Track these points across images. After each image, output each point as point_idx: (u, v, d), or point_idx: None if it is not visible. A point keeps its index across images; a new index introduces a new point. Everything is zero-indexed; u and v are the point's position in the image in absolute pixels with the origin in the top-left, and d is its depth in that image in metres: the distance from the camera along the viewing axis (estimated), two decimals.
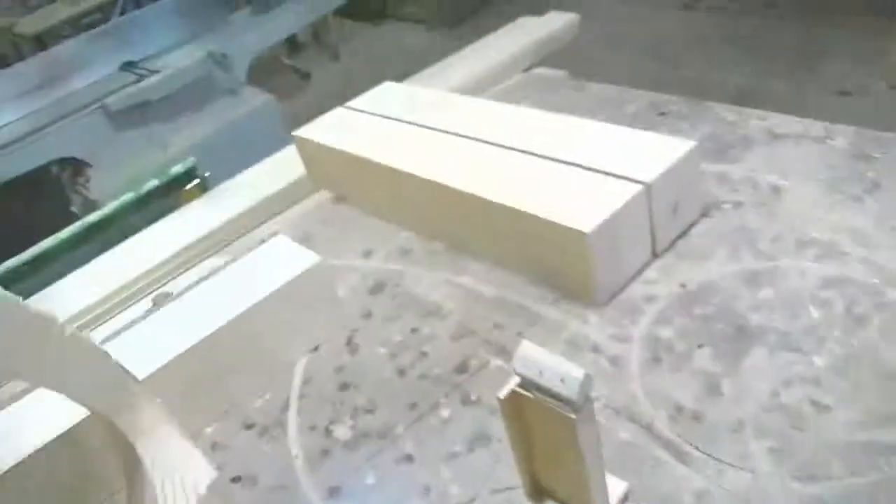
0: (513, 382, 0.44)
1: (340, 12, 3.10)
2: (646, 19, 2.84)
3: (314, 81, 3.12)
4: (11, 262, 1.07)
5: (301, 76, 3.06)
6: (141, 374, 0.60)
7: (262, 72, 2.33)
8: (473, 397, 0.60)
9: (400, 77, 1.13)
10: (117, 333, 0.71)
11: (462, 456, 0.55)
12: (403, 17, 3.79)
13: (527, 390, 0.43)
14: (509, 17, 1.29)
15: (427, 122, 0.84)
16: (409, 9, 3.74)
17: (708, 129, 0.85)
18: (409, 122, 0.86)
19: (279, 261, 0.68)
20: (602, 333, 0.62)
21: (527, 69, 1.18)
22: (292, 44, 3.29)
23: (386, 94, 0.96)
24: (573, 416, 0.41)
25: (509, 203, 0.67)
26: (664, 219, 0.67)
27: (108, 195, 1.81)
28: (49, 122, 1.83)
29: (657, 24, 2.79)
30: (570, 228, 0.61)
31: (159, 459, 0.52)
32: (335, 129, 0.90)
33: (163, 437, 0.53)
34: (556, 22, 1.24)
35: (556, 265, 0.66)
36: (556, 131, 0.76)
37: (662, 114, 0.91)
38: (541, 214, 0.64)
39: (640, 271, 0.67)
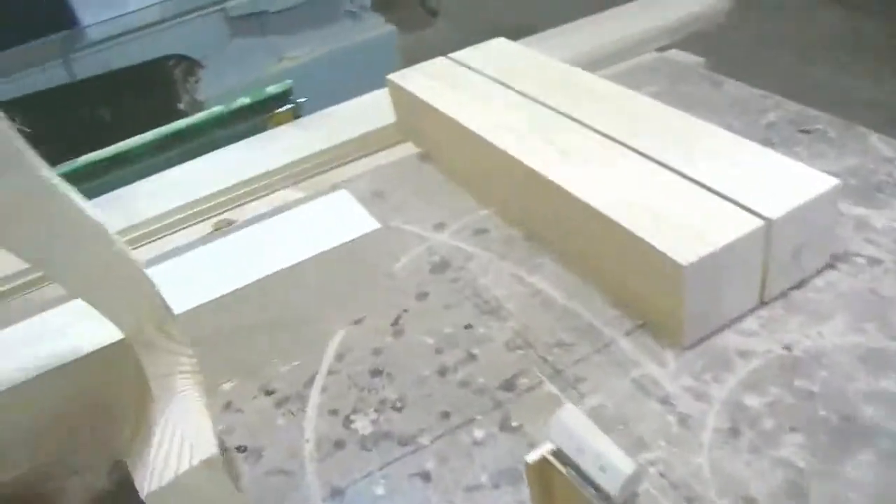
0: (545, 448, 0.36)
1: None
2: (810, 16, 2.60)
3: (436, 24, 3.03)
4: (93, 156, 1.05)
5: (429, 12, 2.96)
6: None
7: (390, 0, 2.25)
8: (514, 423, 0.52)
9: (523, 32, 1.04)
10: (167, 256, 0.67)
11: (484, 490, 0.48)
12: None
13: (560, 462, 0.35)
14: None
15: (535, 95, 0.75)
16: None
17: (855, 161, 0.72)
18: (515, 90, 0.77)
19: (336, 219, 0.62)
20: (677, 383, 0.53)
21: (661, 49, 1.06)
22: None
23: (496, 52, 0.87)
24: None
25: (604, 209, 0.57)
26: (781, 263, 0.57)
27: (215, 98, 1.80)
28: (170, 17, 1.82)
29: (822, 22, 2.54)
30: (666, 256, 0.52)
31: (170, 412, 0.47)
32: (433, 80, 0.82)
33: (181, 388, 0.48)
34: (703, 2, 1.11)
35: (643, 291, 0.57)
36: (679, 134, 0.65)
37: (805, 131, 0.79)
38: (637, 232, 0.55)
39: (739, 318, 0.57)
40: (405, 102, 0.84)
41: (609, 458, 0.32)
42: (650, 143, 0.64)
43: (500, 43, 0.89)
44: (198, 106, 1.86)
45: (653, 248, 0.53)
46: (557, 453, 0.35)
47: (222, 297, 0.57)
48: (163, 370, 0.47)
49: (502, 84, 0.79)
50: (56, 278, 0.45)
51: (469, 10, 3.18)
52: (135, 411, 0.51)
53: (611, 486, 0.32)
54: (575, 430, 0.34)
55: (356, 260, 0.60)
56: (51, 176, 0.40)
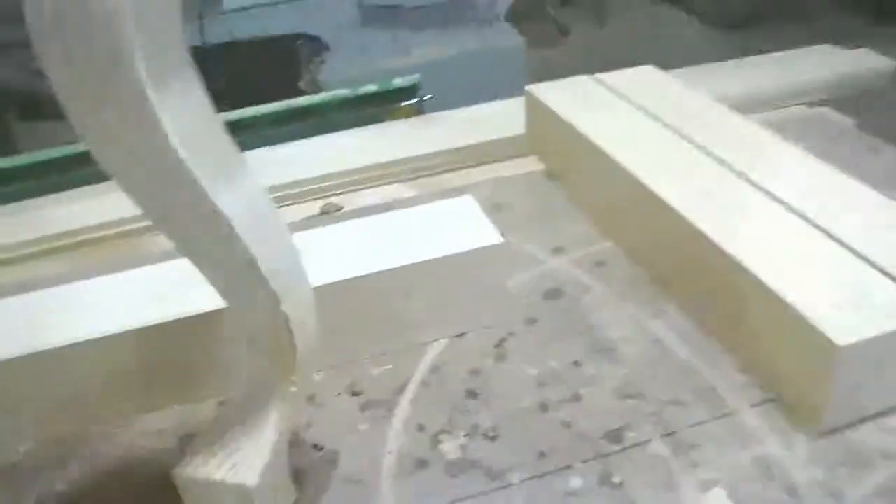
0: None
1: None
2: None
3: (569, 41, 2.98)
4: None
5: (560, 30, 2.92)
6: None
7: (522, 13, 2.22)
8: (616, 479, 0.47)
9: (658, 65, 0.99)
10: None
11: None
12: (683, 3, 3.54)
13: None
14: (796, 41, 1.10)
15: (682, 130, 0.70)
16: None
17: None
18: (662, 123, 0.72)
19: (457, 225, 0.58)
20: (806, 473, 0.47)
21: (811, 104, 0.99)
22: None
23: (644, 79, 0.83)
24: None
25: (751, 266, 0.52)
26: None
27: (336, 83, 1.81)
28: None
29: None
30: (819, 331, 0.46)
31: (247, 417, 0.44)
32: (574, 98, 0.78)
33: (272, 405, 0.44)
34: (865, 62, 1.03)
35: (781, 362, 0.51)
36: (838, 195, 0.59)
37: None
38: (787, 297, 0.49)
39: (884, 413, 0.51)
40: (539, 115, 0.80)
41: None
42: (807, 202, 0.58)
43: (648, 71, 0.84)
44: (318, 87, 1.88)
45: (804, 318, 0.48)
46: None
47: (325, 285, 0.54)
48: (266, 377, 0.44)
49: (648, 113, 0.74)
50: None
51: (598, 37, 3.13)
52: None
53: None
54: None
55: (471, 272, 0.56)
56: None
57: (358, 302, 0.55)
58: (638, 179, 0.64)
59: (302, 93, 1.99)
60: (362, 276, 0.54)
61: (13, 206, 0.91)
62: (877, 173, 0.78)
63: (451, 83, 1.38)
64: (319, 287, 0.53)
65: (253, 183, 0.40)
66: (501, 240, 0.56)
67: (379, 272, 0.54)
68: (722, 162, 0.65)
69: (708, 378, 0.54)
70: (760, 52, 1.09)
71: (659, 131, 0.71)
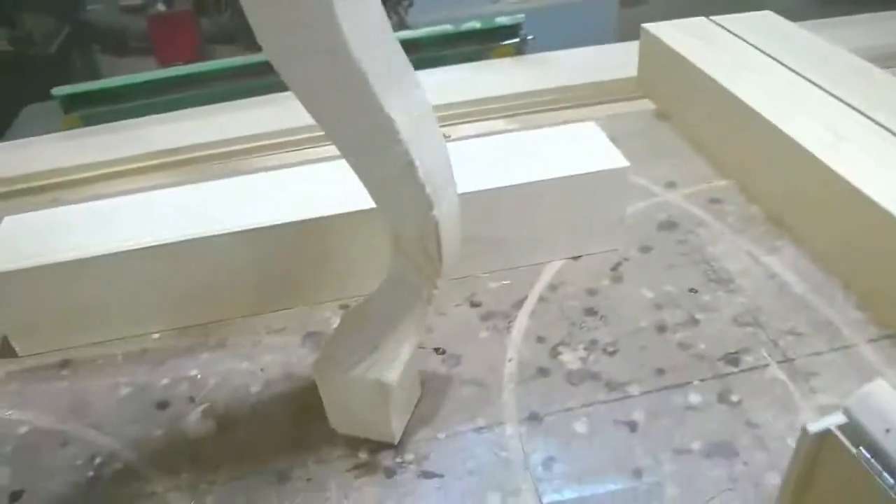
0: (833, 420, 0.32)
1: None
2: None
3: (655, 2, 2.92)
4: None
5: None
6: None
7: None
8: (734, 398, 0.48)
9: None
10: None
11: (694, 457, 0.45)
12: None
13: (851, 442, 0.31)
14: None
15: (806, 73, 0.69)
16: None
17: None
18: (781, 63, 0.71)
19: (581, 149, 0.59)
20: None
21: None
22: None
23: (763, 23, 0.81)
24: None
25: (879, 200, 0.52)
26: None
27: (421, 25, 1.81)
28: None
29: None
30: None
31: (393, 321, 0.46)
32: (691, 37, 0.78)
33: (413, 308, 0.46)
34: None
35: None
36: None
37: None
38: None
39: None
40: (654, 53, 0.80)
41: None
42: None
43: (767, 15, 0.83)
44: (404, 30, 1.88)
45: None
46: (850, 430, 0.31)
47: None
48: (411, 279, 0.45)
49: (767, 54, 0.73)
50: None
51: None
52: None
53: None
54: (888, 408, 0.30)
55: (594, 194, 0.57)
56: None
57: (478, 217, 0.56)
58: (761, 116, 0.63)
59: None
60: (488, 190, 0.55)
61: (118, 124, 0.95)
62: None
63: (540, 33, 1.36)
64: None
65: (420, 92, 0.41)
66: (627, 163, 0.57)
67: (505, 186, 0.55)
68: (847, 103, 0.64)
69: (825, 313, 0.54)
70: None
71: (779, 71, 0.70)
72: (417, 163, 0.40)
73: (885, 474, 0.29)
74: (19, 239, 0.55)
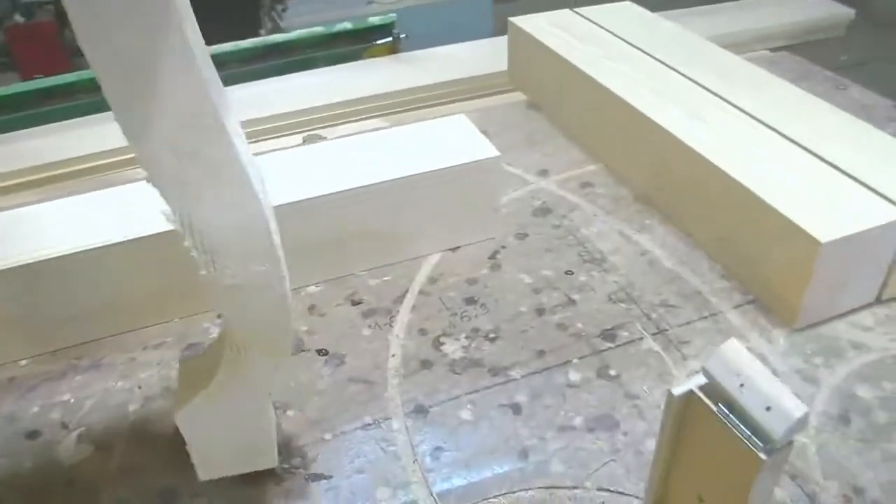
0: (694, 382, 0.34)
1: None
2: None
3: None
4: None
5: None
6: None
7: None
8: (612, 372, 0.50)
9: None
10: (258, 155, 0.65)
11: (577, 433, 0.46)
12: None
13: (711, 400, 0.33)
14: None
15: (664, 58, 0.72)
16: None
17: None
18: (643, 51, 0.74)
19: (453, 141, 0.60)
20: (786, 363, 0.50)
21: (773, 49, 1.02)
22: None
23: (623, 14, 0.84)
24: (763, 457, 0.30)
25: (737, 176, 0.55)
26: None
27: (296, 28, 1.79)
28: None
29: None
30: (804, 231, 0.49)
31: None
32: (557, 29, 0.80)
33: None
34: (822, 9, 1.07)
35: (760, 266, 0.54)
36: (813, 117, 0.62)
37: None
38: (773, 203, 0.52)
39: (853, 311, 0.54)
40: (523, 47, 0.82)
41: (776, 396, 0.30)
42: (784, 120, 0.61)
43: (627, 6, 0.86)
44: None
45: (789, 221, 0.50)
46: (709, 389, 0.33)
47: (323, 196, 0.55)
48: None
49: (629, 43, 0.76)
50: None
51: None
52: None
53: (774, 428, 0.29)
54: (739, 364, 0.31)
55: (466, 185, 0.58)
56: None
57: (354, 214, 0.56)
58: (625, 102, 0.66)
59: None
60: (361, 188, 0.55)
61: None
62: (846, 108, 0.81)
63: (415, 32, 1.37)
64: (318, 198, 0.55)
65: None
66: (497, 153, 0.58)
67: (378, 183, 0.55)
68: (704, 87, 0.67)
69: (693, 284, 0.57)
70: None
71: (641, 59, 0.73)
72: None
73: (742, 426, 0.31)
74: None
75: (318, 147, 0.61)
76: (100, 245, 0.51)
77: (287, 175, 0.57)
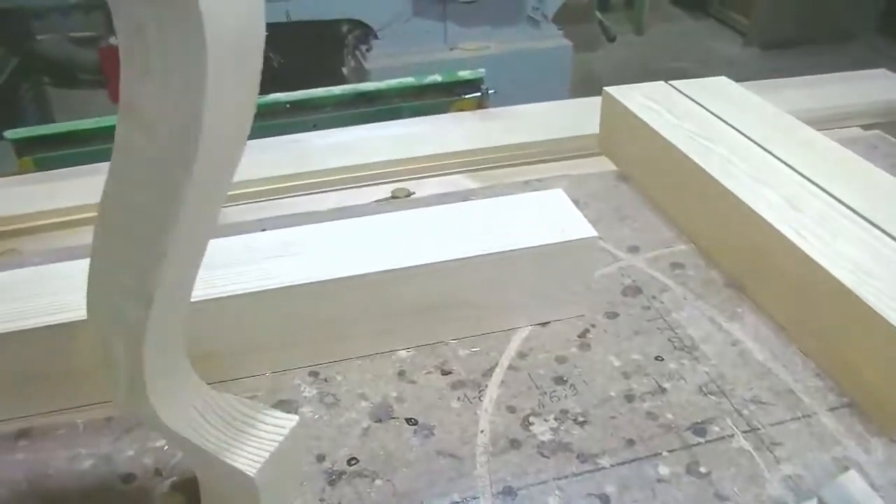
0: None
1: None
2: None
3: (607, 47, 3.00)
4: (280, 97, 1.07)
5: (607, 36, 2.93)
6: (358, 269, 0.55)
7: (570, 15, 2.23)
8: (703, 469, 0.49)
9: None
10: (343, 212, 0.66)
11: None
12: (724, 19, 3.55)
13: None
14: (833, 64, 1.11)
15: (760, 140, 0.72)
16: (733, 14, 3.50)
17: None
18: (738, 130, 0.74)
19: (550, 217, 0.60)
20: (884, 475, 0.49)
21: (865, 127, 1.01)
22: (603, 1, 3.16)
23: (718, 89, 0.84)
24: None
25: (833, 270, 0.54)
26: None
27: (380, 70, 1.83)
28: None
29: None
30: None
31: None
32: (652, 102, 0.80)
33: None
34: None
35: (859, 368, 0.53)
36: None
37: None
38: (870, 301, 0.51)
39: None
40: (615, 117, 0.82)
41: None
42: (888, 217, 0.60)
43: (721, 81, 0.86)
44: (362, 74, 1.90)
45: (888, 322, 0.50)
46: None
47: (418, 266, 0.56)
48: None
49: (724, 121, 0.76)
50: None
51: (637, 45, 3.15)
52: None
53: None
54: (858, 499, 0.31)
55: (563, 263, 0.58)
56: None
57: (449, 285, 0.57)
58: (720, 183, 0.65)
59: (344, 78, 2.01)
60: (458, 260, 0.56)
61: (75, 169, 0.93)
62: None
63: (495, 81, 1.39)
64: (416, 267, 0.56)
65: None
66: (595, 233, 0.58)
67: (476, 256, 0.56)
68: (800, 173, 0.66)
69: (785, 381, 0.56)
70: (796, 73, 1.10)
71: (736, 139, 0.73)
72: None
73: None
74: None
75: (414, 213, 0.62)
76: (213, 297, 0.53)
77: (384, 239, 0.58)
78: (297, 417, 0.45)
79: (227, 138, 0.32)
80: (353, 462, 0.50)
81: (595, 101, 0.94)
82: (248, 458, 0.42)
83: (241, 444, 0.42)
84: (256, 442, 0.43)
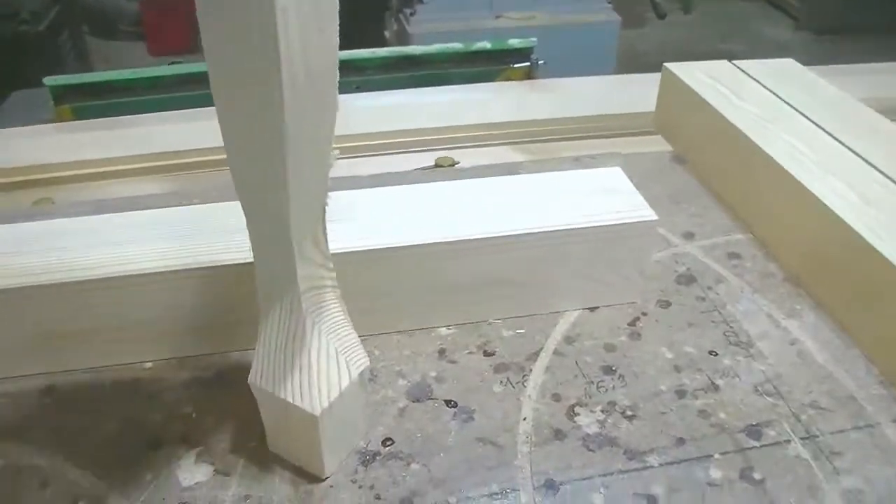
0: None
1: None
2: None
3: (653, 25, 2.92)
4: None
5: (658, 13, 2.85)
6: (402, 239, 0.52)
7: None
8: (757, 475, 0.46)
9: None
10: (385, 178, 0.64)
11: None
12: (774, 1, 3.45)
13: None
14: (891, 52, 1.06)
15: (825, 125, 0.68)
16: None
17: None
18: (804, 115, 0.70)
19: (607, 196, 0.57)
20: None
21: None
22: None
23: (785, 72, 0.80)
24: None
25: None
26: None
27: (424, 35, 1.79)
28: None
29: None
30: None
31: (321, 325, 0.44)
32: (716, 81, 0.76)
33: (329, 301, 0.45)
34: None
35: None
36: None
37: None
38: None
39: None
40: (674, 94, 0.78)
41: None
42: None
43: (789, 63, 0.82)
44: (404, 38, 1.85)
45: None
46: None
47: (464, 241, 0.53)
48: (313, 283, 0.43)
49: (791, 106, 0.72)
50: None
51: (686, 23, 3.06)
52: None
53: None
54: None
55: (618, 246, 0.55)
56: None
57: (495, 262, 0.54)
58: (784, 169, 0.62)
59: (386, 41, 1.97)
60: (508, 236, 0.53)
61: (112, 120, 0.91)
62: None
63: (545, 52, 1.35)
64: (461, 241, 0.53)
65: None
66: (655, 217, 0.55)
67: (526, 234, 0.53)
68: (871, 164, 0.63)
69: (847, 387, 0.53)
70: (852, 60, 1.05)
71: (803, 125, 0.69)
72: None
73: None
74: (7, 253, 0.52)
75: (462, 184, 0.59)
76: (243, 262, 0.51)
77: (429, 210, 0.55)
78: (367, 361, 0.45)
79: None
80: (388, 443, 0.47)
81: (648, 78, 0.90)
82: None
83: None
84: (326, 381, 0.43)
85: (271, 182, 0.37)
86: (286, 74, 0.32)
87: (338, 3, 0.34)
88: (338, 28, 0.35)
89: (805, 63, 0.87)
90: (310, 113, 0.36)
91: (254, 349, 0.45)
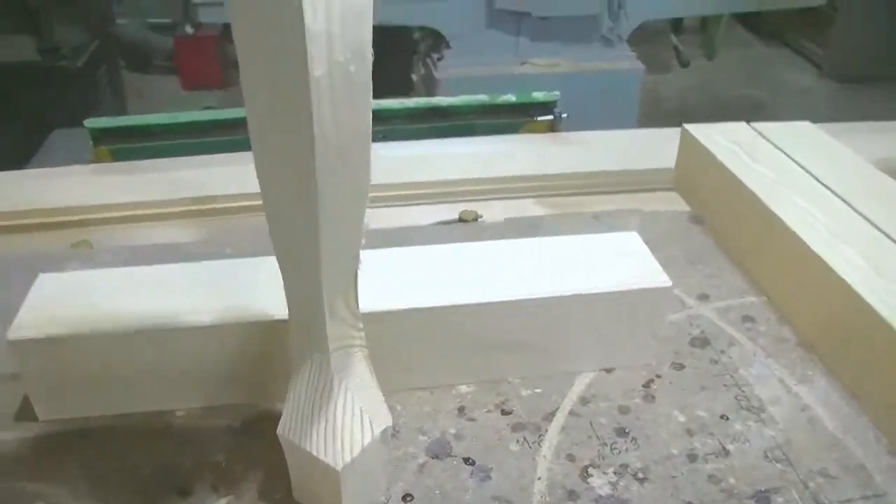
0: None
1: (739, 16, 2.88)
2: None
3: (676, 71, 2.95)
4: None
5: (681, 61, 2.88)
6: (428, 301, 0.55)
7: (642, 36, 2.20)
8: None
9: (772, 112, 0.97)
10: (404, 232, 0.66)
11: None
12: (798, 48, 3.47)
13: None
14: None
15: (840, 191, 0.70)
16: (808, 44, 3.41)
17: None
18: (819, 181, 0.72)
19: (622, 261, 0.59)
20: None
21: None
22: (677, 25, 3.11)
23: (801, 135, 0.82)
24: None
25: None
26: None
27: (450, 80, 1.83)
28: None
29: None
30: None
31: (348, 383, 0.46)
32: (733, 144, 0.78)
33: (356, 360, 0.47)
34: None
35: None
36: None
37: None
38: None
39: None
40: (693, 155, 0.80)
41: None
42: None
43: (805, 126, 0.84)
44: (430, 81, 1.89)
45: None
46: None
47: (484, 304, 0.55)
48: (342, 342, 0.46)
49: (806, 170, 0.74)
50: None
51: (708, 71, 3.09)
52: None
53: None
54: None
55: (634, 310, 0.57)
56: None
57: (514, 323, 0.56)
58: (797, 236, 0.63)
59: (413, 85, 2.01)
60: (526, 300, 0.55)
61: (149, 163, 0.94)
62: None
63: (563, 99, 1.38)
64: (482, 305, 0.55)
65: None
66: (669, 283, 0.57)
67: (544, 298, 0.55)
68: (886, 234, 0.64)
69: (856, 456, 0.54)
70: (873, 112, 1.06)
71: (817, 190, 0.71)
72: None
73: None
74: (53, 301, 0.55)
75: (484, 245, 0.61)
76: (269, 319, 0.53)
77: (452, 271, 0.57)
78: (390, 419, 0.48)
79: None
80: (408, 499, 0.49)
81: (669, 133, 0.92)
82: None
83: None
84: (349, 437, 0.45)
85: (305, 244, 0.40)
86: (319, 145, 0.35)
87: (370, 79, 0.37)
88: (371, 102, 0.38)
89: (827, 112, 0.89)
90: (342, 179, 0.38)
91: (283, 401, 0.47)
